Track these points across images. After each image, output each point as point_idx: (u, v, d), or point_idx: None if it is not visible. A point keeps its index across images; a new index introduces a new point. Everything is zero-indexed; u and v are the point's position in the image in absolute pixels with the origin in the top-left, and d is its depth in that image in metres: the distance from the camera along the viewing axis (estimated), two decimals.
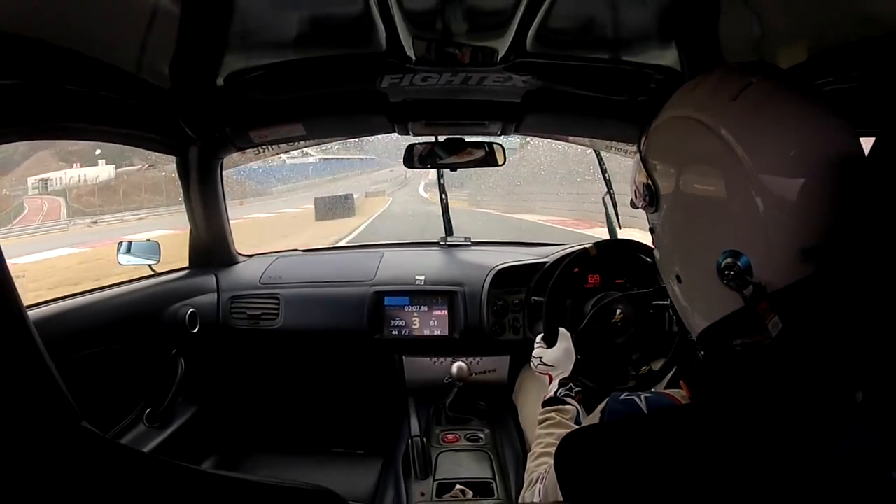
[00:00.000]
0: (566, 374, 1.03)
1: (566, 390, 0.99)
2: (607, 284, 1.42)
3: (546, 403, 0.98)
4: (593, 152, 1.78)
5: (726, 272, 0.47)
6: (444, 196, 1.92)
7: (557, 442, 0.84)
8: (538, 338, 1.14)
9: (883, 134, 0.42)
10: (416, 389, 1.60)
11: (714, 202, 0.48)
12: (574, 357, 1.06)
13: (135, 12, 0.77)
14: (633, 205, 0.62)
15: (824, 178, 0.44)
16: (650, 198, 0.55)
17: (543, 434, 0.91)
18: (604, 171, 1.77)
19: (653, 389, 1.06)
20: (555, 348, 1.08)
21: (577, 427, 0.91)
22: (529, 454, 0.90)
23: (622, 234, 1.69)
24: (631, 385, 1.14)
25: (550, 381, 1.05)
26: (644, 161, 0.56)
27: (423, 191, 30.35)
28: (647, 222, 0.60)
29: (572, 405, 0.96)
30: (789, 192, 0.44)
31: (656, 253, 0.60)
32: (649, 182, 0.55)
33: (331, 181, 33.62)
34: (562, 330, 1.11)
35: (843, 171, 0.43)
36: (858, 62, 0.72)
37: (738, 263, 0.46)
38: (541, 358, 1.09)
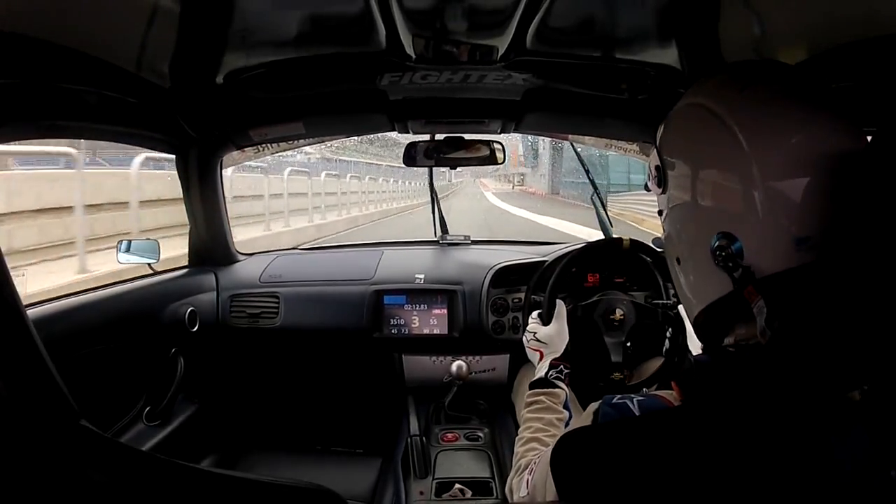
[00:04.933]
0: (557, 355, 1.02)
1: (556, 372, 0.98)
2: (607, 283, 1.42)
3: (534, 385, 0.97)
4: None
5: (718, 253, 0.48)
6: (434, 195, 1.92)
7: (546, 427, 0.87)
8: (534, 313, 1.13)
9: (880, 132, 0.42)
10: (415, 388, 1.60)
11: (713, 186, 0.50)
12: (567, 338, 1.05)
13: (135, 11, 0.77)
14: (646, 187, 0.65)
15: (821, 175, 0.44)
16: (659, 179, 0.58)
17: (532, 418, 0.90)
18: (587, 171, 1.77)
19: (644, 390, 1.05)
20: (550, 326, 1.07)
21: (566, 412, 0.91)
22: (518, 438, 0.88)
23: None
24: (601, 385, 1.13)
25: (540, 358, 1.04)
26: (658, 144, 0.59)
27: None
28: None
29: (562, 389, 0.95)
30: (784, 185, 0.45)
31: (663, 236, 0.62)
32: (659, 164, 0.58)
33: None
34: (559, 308, 1.10)
35: (841, 169, 0.44)
36: (858, 62, 0.72)
37: (731, 247, 0.48)
38: (534, 333, 1.08)
